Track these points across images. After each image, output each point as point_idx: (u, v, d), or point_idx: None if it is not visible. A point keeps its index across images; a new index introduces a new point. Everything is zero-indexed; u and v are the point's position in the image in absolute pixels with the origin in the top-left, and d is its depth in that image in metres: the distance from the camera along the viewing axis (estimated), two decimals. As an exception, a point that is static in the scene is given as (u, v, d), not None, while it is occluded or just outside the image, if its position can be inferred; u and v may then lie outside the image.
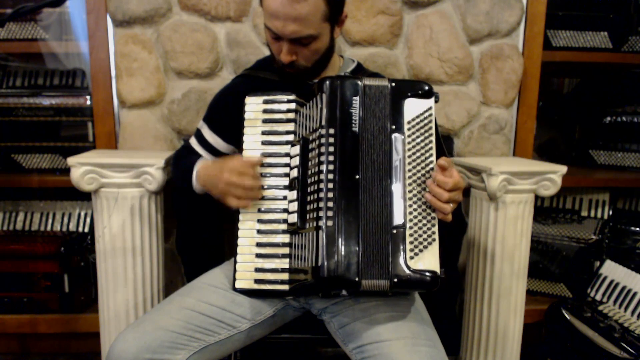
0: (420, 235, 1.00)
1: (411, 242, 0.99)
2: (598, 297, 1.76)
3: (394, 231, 0.99)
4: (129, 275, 1.45)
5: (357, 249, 0.97)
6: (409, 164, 1.02)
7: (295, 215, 1.05)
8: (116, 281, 1.45)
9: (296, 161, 1.08)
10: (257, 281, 1.10)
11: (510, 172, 1.49)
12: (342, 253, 0.96)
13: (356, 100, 1.04)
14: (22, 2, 1.72)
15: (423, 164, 1.03)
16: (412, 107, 1.05)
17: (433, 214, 1.01)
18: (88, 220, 2.00)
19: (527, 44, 1.78)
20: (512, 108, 1.82)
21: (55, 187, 1.93)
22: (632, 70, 2.21)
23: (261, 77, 1.31)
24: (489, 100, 1.78)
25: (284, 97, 1.14)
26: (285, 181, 1.11)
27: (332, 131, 1.02)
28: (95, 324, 1.57)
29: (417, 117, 1.05)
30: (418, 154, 1.03)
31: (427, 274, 0.97)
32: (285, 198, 1.10)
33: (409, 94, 1.05)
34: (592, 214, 2.12)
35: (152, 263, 1.49)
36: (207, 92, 1.69)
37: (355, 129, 1.03)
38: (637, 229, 2.06)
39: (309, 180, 1.04)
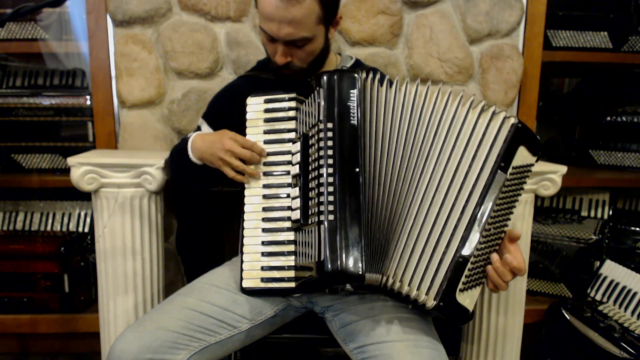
0: (475, 274, 0.99)
1: (466, 276, 0.97)
2: (598, 297, 1.76)
3: (460, 259, 0.96)
4: (129, 275, 1.45)
5: (361, 242, 0.95)
6: (498, 204, 0.98)
7: (298, 212, 1.05)
8: (116, 281, 1.45)
9: (297, 158, 1.08)
10: (264, 279, 1.09)
11: (510, 172, 1.49)
12: (345, 247, 0.94)
13: (354, 94, 1.02)
14: (22, 2, 1.71)
15: (506, 211, 1.01)
16: (522, 155, 1.01)
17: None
18: (88, 220, 2.00)
19: (527, 44, 1.78)
20: (512, 108, 1.82)
21: (55, 187, 1.92)
22: (632, 70, 2.20)
23: (263, 78, 1.31)
24: (489, 100, 1.77)
25: (285, 96, 1.14)
26: (288, 179, 1.11)
27: (330, 125, 1.01)
28: (95, 324, 1.57)
29: (521, 167, 1.01)
30: (507, 199, 1.00)
31: (466, 312, 0.97)
32: (288, 196, 1.10)
33: (526, 143, 1.01)
34: (592, 214, 2.12)
35: (152, 263, 1.49)
36: (207, 92, 1.69)
37: (354, 122, 1.01)
38: (637, 229, 2.06)
39: (310, 176, 1.04)
